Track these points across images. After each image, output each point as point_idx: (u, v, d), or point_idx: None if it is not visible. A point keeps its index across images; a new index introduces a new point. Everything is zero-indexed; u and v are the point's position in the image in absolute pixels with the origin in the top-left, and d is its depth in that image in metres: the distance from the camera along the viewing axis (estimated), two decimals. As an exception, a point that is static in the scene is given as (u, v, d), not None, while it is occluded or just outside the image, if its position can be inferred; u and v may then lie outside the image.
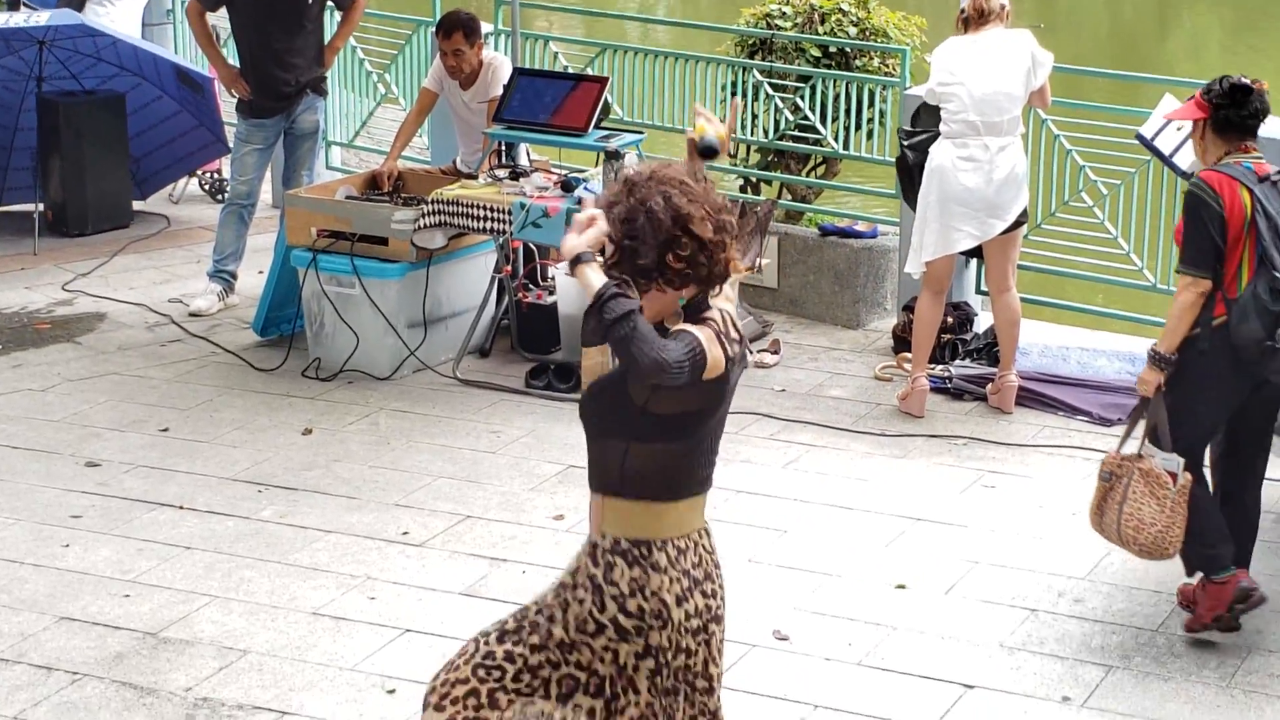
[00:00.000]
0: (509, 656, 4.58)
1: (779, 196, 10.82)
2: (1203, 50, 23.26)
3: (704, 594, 4.56)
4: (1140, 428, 6.64)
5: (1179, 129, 8.85)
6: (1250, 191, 6.41)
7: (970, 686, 6.21)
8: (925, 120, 9.14)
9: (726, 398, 4.48)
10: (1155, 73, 12.93)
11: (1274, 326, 6.35)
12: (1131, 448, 6.63)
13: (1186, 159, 8.78)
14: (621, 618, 4.50)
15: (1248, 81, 6.56)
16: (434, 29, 10.20)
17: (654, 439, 4.45)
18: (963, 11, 8.69)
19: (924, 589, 6.96)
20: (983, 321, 9.64)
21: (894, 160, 10.12)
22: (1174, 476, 6.46)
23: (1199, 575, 6.59)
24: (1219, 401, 6.54)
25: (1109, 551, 7.25)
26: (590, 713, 4.58)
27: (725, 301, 4.51)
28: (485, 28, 9.97)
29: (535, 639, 4.58)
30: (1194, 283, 6.39)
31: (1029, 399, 8.92)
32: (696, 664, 4.56)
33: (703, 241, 4.35)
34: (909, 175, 9.08)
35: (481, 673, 4.57)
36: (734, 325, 4.45)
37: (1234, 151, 6.54)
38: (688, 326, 4.35)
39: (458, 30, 9.62)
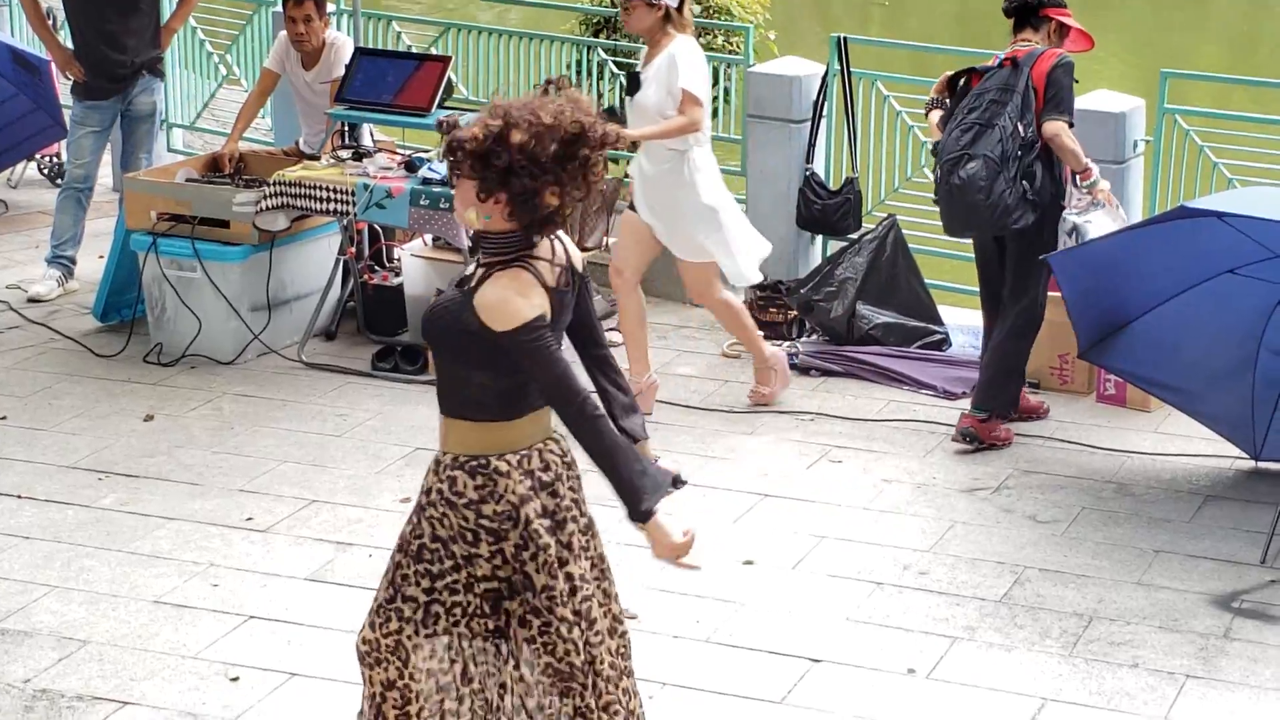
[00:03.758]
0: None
1: (625, 175, 10.81)
2: (1047, 28, 23.43)
3: (552, 494, 4.76)
4: None
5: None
6: (979, 77, 8.03)
7: (817, 660, 6.25)
8: None
9: (561, 317, 4.72)
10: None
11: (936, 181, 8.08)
12: None
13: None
14: (484, 521, 4.70)
15: None
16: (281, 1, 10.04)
17: (492, 366, 4.64)
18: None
19: (771, 564, 7.00)
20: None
21: (740, 138, 10.14)
22: None
23: None
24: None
25: (952, 524, 7.34)
26: (518, 618, 4.79)
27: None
28: (328, 7, 9.87)
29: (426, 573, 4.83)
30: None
31: (875, 374, 8.99)
32: (550, 560, 4.73)
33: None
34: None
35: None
36: (564, 247, 4.75)
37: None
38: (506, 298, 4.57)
39: None
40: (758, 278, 8.67)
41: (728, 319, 8.69)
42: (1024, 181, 7.84)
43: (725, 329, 8.96)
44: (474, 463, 4.72)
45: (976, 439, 8.08)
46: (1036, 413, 8.43)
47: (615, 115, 8.32)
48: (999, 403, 8.14)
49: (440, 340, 4.73)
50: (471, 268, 4.73)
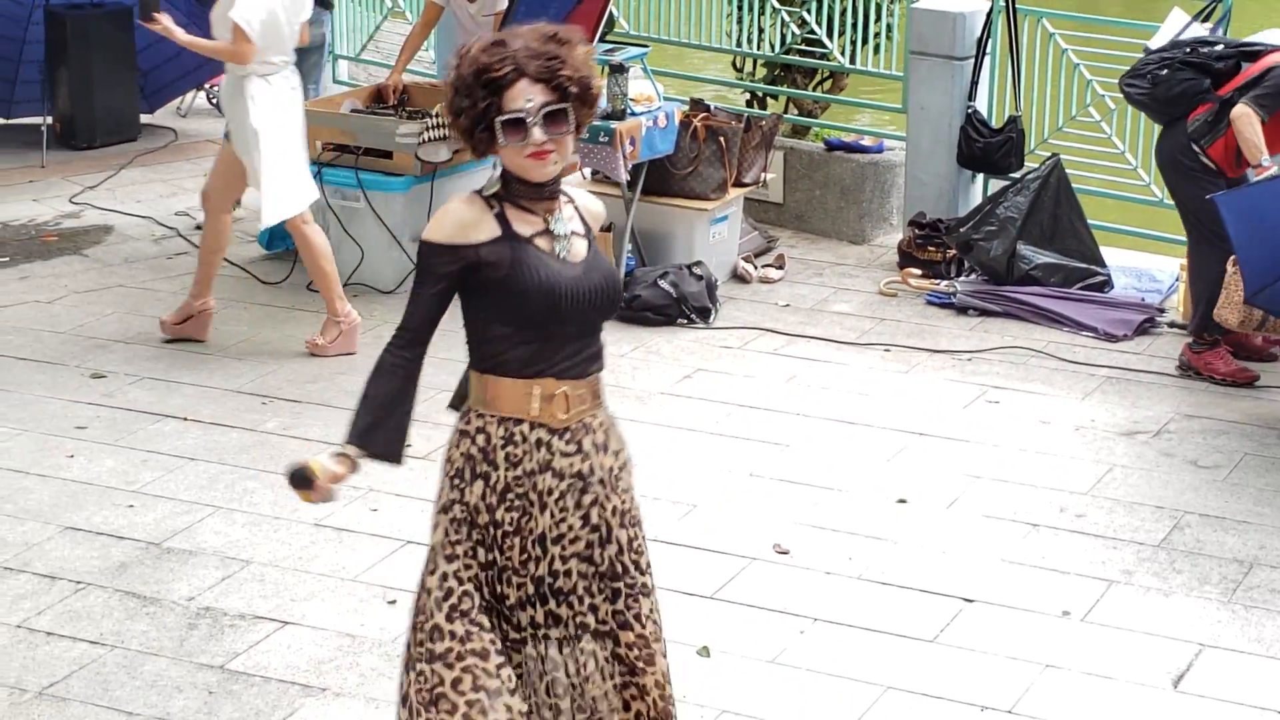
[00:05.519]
0: None
1: (785, 111, 10.73)
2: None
3: None
4: None
5: (1187, 43, 8.78)
6: None
7: (970, 600, 6.18)
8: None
9: None
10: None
11: None
12: None
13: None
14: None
15: None
16: None
17: None
18: None
19: (925, 504, 6.93)
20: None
21: (902, 75, 10.02)
22: None
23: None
24: None
25: (1111, 468, 7.22)
26: None
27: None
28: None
29: None
30: None
31: (1035, 314, 8.86)
32: None
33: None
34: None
35: None
36: None
37: None
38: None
39: None
40: (274, 220, 8.25)
41: (304, 252, 8.39)
42: (1162, 71, 8.04)
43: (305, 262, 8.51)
44: None
45: (1190, 368, 8.14)
46: (1259, 353, 8.30)
47: (148, 6, 8.17)
48: (1195, 328, 8.14)
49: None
50: (567, 223, 4.29)
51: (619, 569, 4.38)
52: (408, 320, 4.30)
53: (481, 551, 4.32)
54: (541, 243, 4.25)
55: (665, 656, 4.47)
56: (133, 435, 7.44)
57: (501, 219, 4.24)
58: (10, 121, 11.91)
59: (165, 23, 8.14)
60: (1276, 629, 6.01)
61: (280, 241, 9.65)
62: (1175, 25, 8.82)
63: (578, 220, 4.33)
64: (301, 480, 4.31)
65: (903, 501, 6.94)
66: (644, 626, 4.39)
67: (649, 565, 4.46)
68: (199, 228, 10.02)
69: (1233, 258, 7.65)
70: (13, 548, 6.48)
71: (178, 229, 10.06)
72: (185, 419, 7.61)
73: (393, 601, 6.11)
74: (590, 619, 4.37)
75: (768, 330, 8.73)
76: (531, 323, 4.26)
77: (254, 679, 5.66)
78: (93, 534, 6.59)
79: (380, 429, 4.41)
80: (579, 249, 4.29)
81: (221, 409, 7.71)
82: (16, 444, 7.34)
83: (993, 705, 5.55)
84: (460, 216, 4.23)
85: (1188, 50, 8.09)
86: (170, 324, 8.49)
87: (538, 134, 4.13)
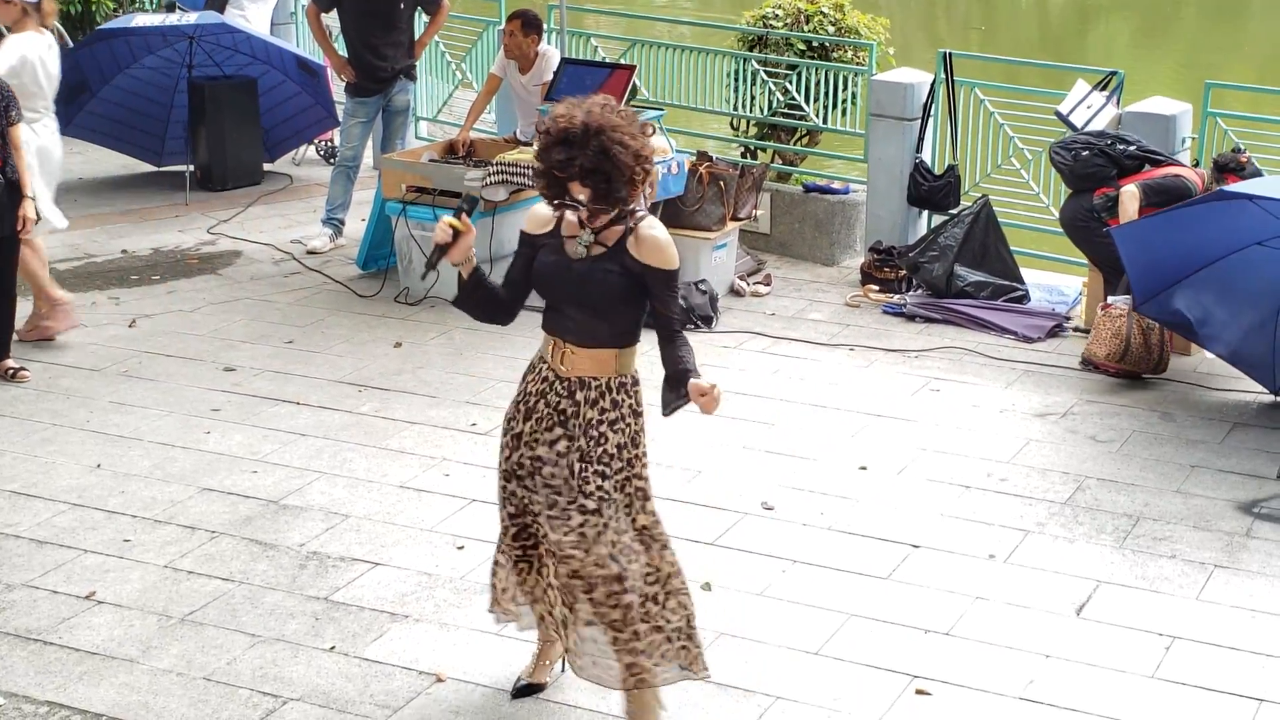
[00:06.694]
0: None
1: (771, 161, 10.71)
2: (1113, 47, 22.96)
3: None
4: None
5: (1089, 107, 8.78)
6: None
7: (916, 546, 6.17)
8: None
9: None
10: (1074, 63, 12.76)
11: None
12: None
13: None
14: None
15: None
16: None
17: None
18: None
19: (881, 470, 6.92)
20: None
21: (863, 133, 9.99)
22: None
23: None
24: None
25: (1028, 441, 7.20)
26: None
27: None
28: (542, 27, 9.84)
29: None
30: None
31: (968, 321, 8.84)
32: None
33: (650, 165, 4.63)
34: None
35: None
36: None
37: None
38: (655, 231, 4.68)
39: (517, 19, 9.61)
40: (62, 226, 8.37)
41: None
42: (1084, 152, 8.14)
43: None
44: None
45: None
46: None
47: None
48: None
49: None
50: (588, 236, 4.72)
51: (566, 489, 4.69)
52: (508, 272, 4.84)
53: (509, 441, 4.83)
54: (570, 243, 4.68)
55: (600, 566, 4.67)
56: (256, 416, 7.45)
57: (558, 221, 4.71)
58: (161, 169, 11.92)
59: None
60: (1158, 568, 6.00)
61: (373, 263, 9.65)
62: (1079, 93, 8.81)
63: (613, 238, 4.65)
64: (472, 204, 4.81)
65: (863, 468, 6.93)
66: (566, 535, 4.68)
67: (601, 496, 4.68)
68: (310, 253, 10.05)
69: (1101, 304, 7.82)
70: (161, 504, 6.50)
71: (292, 254, 10.05)
72: (298, 403, 7.61)
73: (461, 548, 6.12)
74: (547, 513, 4.73)
75: (757, 334, 8.72)
76: (542, 292, 4.75)
77: (351, 608, 5.67)
78: (224, 494, 6.61)
79: (477, 289, 4.84)
80: (588, 253, 4.65)
81: (326, 395, 7.72)
82: (164, 423, 7.35)
83: (934, 629, 5.55)
84: (535, 216, 4.79)
85: (1108, 143, 8.15)
86: (25, 333, 8.24)
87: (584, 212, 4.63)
